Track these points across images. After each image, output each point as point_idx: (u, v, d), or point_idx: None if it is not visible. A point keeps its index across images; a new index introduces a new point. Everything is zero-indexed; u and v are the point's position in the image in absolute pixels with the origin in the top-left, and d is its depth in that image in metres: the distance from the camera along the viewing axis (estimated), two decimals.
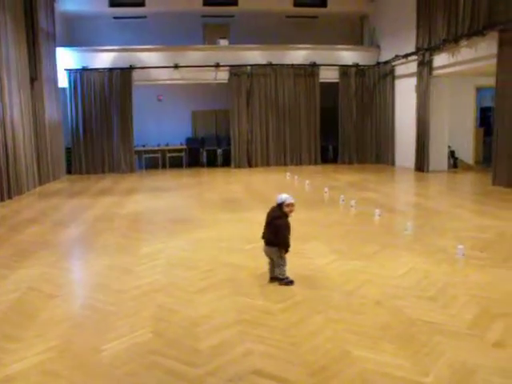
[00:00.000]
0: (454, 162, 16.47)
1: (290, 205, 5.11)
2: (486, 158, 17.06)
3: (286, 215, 5.12)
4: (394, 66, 17.98)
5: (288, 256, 5.18)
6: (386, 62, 18.26)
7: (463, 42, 13.70)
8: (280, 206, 5.14)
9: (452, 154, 16.45)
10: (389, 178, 14.92)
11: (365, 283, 5.11)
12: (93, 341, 3.94)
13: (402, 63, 17.28)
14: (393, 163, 18.14)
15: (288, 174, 15.21)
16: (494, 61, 12.31)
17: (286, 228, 5.10)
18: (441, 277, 5.30)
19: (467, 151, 17.51)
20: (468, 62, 13.81)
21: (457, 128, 16.84)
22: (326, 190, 11.38)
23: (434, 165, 15.76)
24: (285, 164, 18.60)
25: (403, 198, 11.53)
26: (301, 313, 4.38)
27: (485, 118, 19.60)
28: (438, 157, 15.90)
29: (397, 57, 17.27)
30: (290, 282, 5.10)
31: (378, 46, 19.25)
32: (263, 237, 5.22)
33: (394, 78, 18.13)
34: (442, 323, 4.11)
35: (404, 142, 17.43)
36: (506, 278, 5.23)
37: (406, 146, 17.10)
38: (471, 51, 13.50)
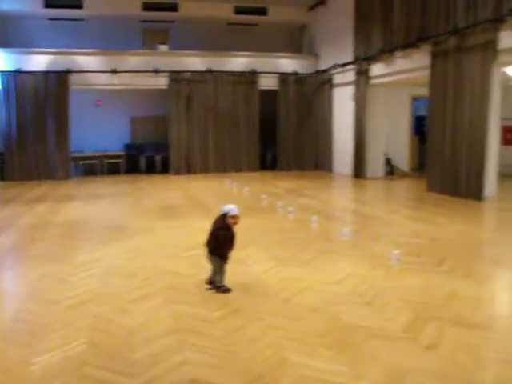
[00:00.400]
0: (391, 169, 16.87)
1: (235, 217, 4.99)
2: (421, 165, 17.57)
3: (229, 227, 5.02)
4: (332, 74, 18.29)
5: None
6: (325, 71, 18.56)
7: (398, 53, 14.10)
8: (224, 216, 5.04)
9: (388, 161, 16.85)
10: (327, 185, 15.13)
11: (302, 290, 5.14)
12: (23, 354, 3.79)
13: (340, 72, 17.62)
14: (331, 170, 18.43)
15: (227, 180, 15.20)
16: (427, 72, 12.72)
17: (226, 241, 5.02)
18: (377, 282, 5.40)
19: (403, 158, 17.98)
20: (403, 72, 14.22)
21: (393, 136, 17.28)
22: (265, 196, 11.42)
23: (371, 172, 16.12)
24: (224, 171, 18.58)
25: (341, 205, 11.70)
26: (239, 320, 4.37)
27: (420, 126, 20.21)
28: (374, 164, 16.28)
29: (335, 66, 17.59)
30: (226, 290, 5.07)
31: (317, 55, 19.55)
32: (207, 244, 5.16)
33: (332, 86, 18.44)
34: (378, 328, 4.18)
35: (342, 149, 17.76)
36: (438, 283, 5.38)
37: (344, 153, 17.42)
38: (406, 62, 13.91)
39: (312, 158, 19.38)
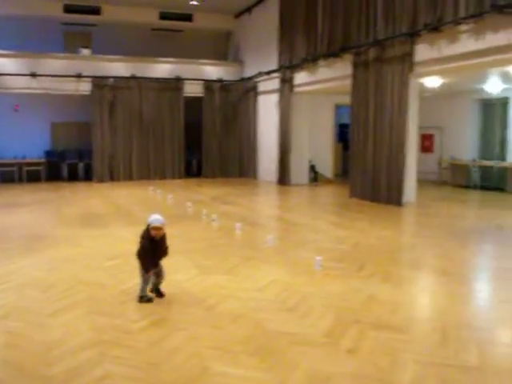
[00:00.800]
0: (315, 176, 17.18)
1: (156, 228, 4.88)
2: (345, 172, 17.99)
3: (151, 237, 4.92)
4: (257, 82, 18.46)
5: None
6: (250, 78, 18.71)
7: (322, 62, 14.40)
8: (147, 227, 4.95)
9: (312, 168, 17.15)
10: (251, 192, 15.22)
11: (226, 297, 5.13)
12: None
13: (265, 80, 17.81)
14: (255, 177, 18.58)
15: (151, 188, 15.00)
16: (349, 81, 13.06)
17: (144, 251, 4.93)
18: (300, 288, 5.46)
19: (327, 165, 18.36)
20: (326, 81, 14.53)
21: (317, 143, 17.61)
22: (189, 204, 11.35)
23: (295, 178, 16.34)
24: (148, 178, 18.30)
25: (265, 211, 11.80)
26: (161, 331, 4.29)
27: (343, 133, 20.70)
28: (299, 171, 16.52)
29: (260, 73, 17.76)
30: (148, 300, 4.99)
31: (242, 62, 19.67)
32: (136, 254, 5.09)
33: (257, 93, 18.62)
34: (300, 334, 4.22)
35: (267, 156, 17.92)
36: (359, 287, 5.50)
37: (269, 160, 17.59)
38: (329, 71, 14.23)
39: (237, 165, 19.45)
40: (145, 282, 5.00)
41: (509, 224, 9.82)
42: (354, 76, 12.89)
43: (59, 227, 9.19)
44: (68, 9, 17.62)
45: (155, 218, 4.92)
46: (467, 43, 9.96)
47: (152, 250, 4.93)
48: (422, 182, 15.50)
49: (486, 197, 14.06)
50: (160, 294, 5.09)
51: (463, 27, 10.00)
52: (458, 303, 5.06)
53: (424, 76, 12.18)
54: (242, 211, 11.04)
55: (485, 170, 16.09)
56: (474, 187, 15.77)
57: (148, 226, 4.92)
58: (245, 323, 4.45)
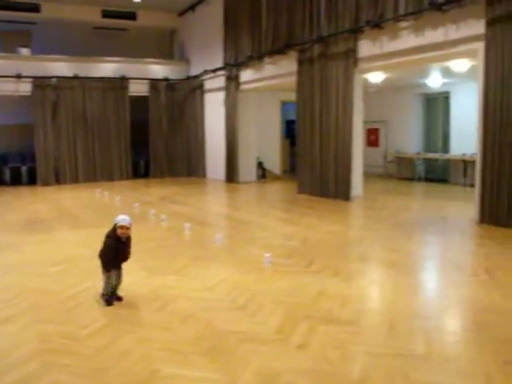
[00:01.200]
0: (263, 173, 17.24)
1: (122, 227, 4.84)
2: (293, 168, 18.12)
3: (117, 237, 4.87)
4: (203, 80, 18.36)
5: (92, 276, 4.97)
6: (196, 77, 18.59)
7: (267, 59, 14.44)
8: (114, 226, 4.90)
9: (260, 164, 17.20)
10: (200, 191, 15.13)
11: (175, 298, 5.07)
12: None
13: (211, 78, 17.73)
14: (204, 176, 18.49)
15: (98, 190, 14.72)
16: (294, 77, 13.14)
17: (108, 249, 4.89)
18: (249, 286, 5.45)
19: (275, 162, 18.45)
20: (272, 78, 14.58)
21: (264, 140, 17.68)
22: (137, 205, 11.20)
23: (243, 176, 16.35)
24: (95, 180, 17.93)
25: (214, 210, 11.76)
26: (109, 335, 4.20)
27: (290, 130, 20.84)
28: (247, 168, 16.54)
29: (206, 71, 17.67)
30: (108, 301, 4.92)
31: (188, 61, 19.53)
32: (99, 254, 5.03)
33: (203, 92, 18.52)
34: (251, 331, 4.21)
35: (215, 154, 17.86)
36: (308, 283, 5.53)
37: (217, 159, 17.54)
38: (274, 68, 14.28)
39: (185, 164, 19.30)
40: (108, 281, 4.93)
41: (452, 214, 10.10)
42: (299, 72, 12.99)
43: (1, 234, 8.90)
44: (4, 6, 16.98)
45: (122, 218, 4.90)
46: (407, 39, 10.17)
47: (116, 249, 4.88)
48: (369, 176, 15.77)
49: (430, 188, 14.42)
50: (118, 298, 5.00)
51: (403, 24, 10.21)
52: (405, 294, 5.15)
53: (368, 72, 12.38)
54: (191, 210, 10.97)
55: (429, 163, 16.50)
56: (419, 179, 16.16)
57: (115, 225, 4.88)
58: (195, 323, 4.42)
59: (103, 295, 4.97)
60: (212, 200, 13.62)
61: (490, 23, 8.49)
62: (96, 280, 5.24)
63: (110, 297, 4.95)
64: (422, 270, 6.45)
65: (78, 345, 4.03)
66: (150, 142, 18.86)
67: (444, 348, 3.90)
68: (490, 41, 8.48)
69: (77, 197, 13.95)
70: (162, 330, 4.27)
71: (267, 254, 6.34)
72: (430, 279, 6.06)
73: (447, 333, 4.27)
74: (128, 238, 4.97)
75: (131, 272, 5.99)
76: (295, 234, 8.14)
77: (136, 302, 5.01)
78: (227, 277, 5.83)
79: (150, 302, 4.99)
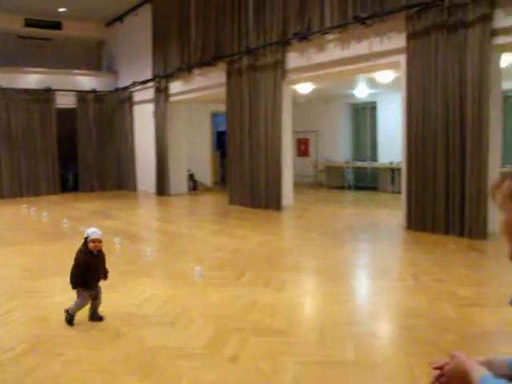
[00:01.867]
0: (194, 185, 17.17)
1: (94, 240, 4.65)
2: (224, 179, 18.13)
3: (89, 251, 4.68)
4: (132, 92, 18.12)
5: (19, 295, 4.78)
6: (125, 88, 18.31)
7: (196, 71, 14.43)
8: (85, 241, 4.71)
9: (191, 176, 17.13)
10: (131, 205, 14.90)
11: (105, 315, 4.94)
12: None
13: (140, 89, 17.52)
14: (135, 189, 18.20)
15: (25, 206, 14.21)
16: (224, 89, 13.19)
17: (77, 264, 4.69)
18: (180, 300, 5.40)
19: (206, 173, 18.43)
20: (201, 90, 14.57)
21: (195, 152, 17.62)
22: (66, 220, 10.90)
23: (174, 188, 16.22)
24: (21, 195, 17.21)
25: (145, 224, 11.60)
26: (36, 359, 4.03)
27: (221, 141, 20.86)
28: (178, 180, 16.42)
29: (134, 83, 17.46)
30: (69, 322, 4.69)
31: (117, 72, 19.23)
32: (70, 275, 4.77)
33: (132, 103, 18.26)
34: (182, 346, 4.16)
35: (145, 167, 17.62)
36: (240, 294, 5.53)
37: (148, 171, 17.31)
38: (204, 79, 14.29)
39: (115, 177, 18.94)
40: (80, 301, 4.69)
41: (381, 221, 10.37)
42: (229, 84, 13.05)
43: None
44: None
45: (93, 231, 4.71)
46: (334, 51, 10.42)
47: (87, 264, 4.65)
48: (300, 186, 15.98)
49: (360, 196, 14.76)
50: (99, 318, 4.79)
51: (330, 37, 10.45)
52: (335, 302, 5.24)
53: (296, 83, 12.58)
54: (122, 225, 10.77)
55: (358, 171, 16.91)
56: (349, 188, 16.53)
57: (86, 239, 4.69)
58: (125, 341, 4.32)
59: (66, 311, 4.72)
60: (143, 213, 13.44)
61: (410, 37, 8.82)
62: (24, 300, 5.02)
63: (71, 318, 4.70)
64: (351, 277, 6.57)
65: (2, 370, 3.85)
66: (79, 155, 18.39)
67: (373, 353, 3.98)
68: (411, 54, 8.81)
69: (1, 214, 13.43)
70: (92, 350, 4.16)
71: (198, 267, 6.30)
72: (360, 286, 6.19)
73: (376, 338, 4.36)
74: (101, 253, 4.80)
75: (61, 291, 5.79)
76: (227, 246, 8.13)
77: (64, 321, 4.84)
78: (158, 291, 5.75)
79: (78, 321, 4.82)
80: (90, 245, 4.67)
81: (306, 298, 5.68)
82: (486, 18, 7.86)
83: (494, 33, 7.90)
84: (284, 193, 11.91)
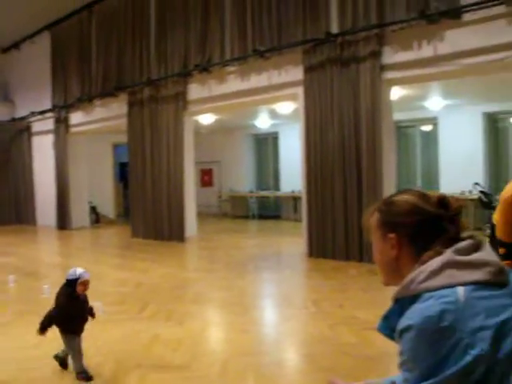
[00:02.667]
0: (96, 218, 16.72)
1: (86, 283, 4.12)
2: (127, 212, 17.78)
3: (77, 295, 4.12)
4: (30, 122, 17.47)
5: None
6: (22, 118, 17.62)
7: (97, 102, 14.17)
8: (71, 283, 4.12)
9: (93, 209, 16.68)
10: (29, 239, 14.26)
11: None
12: None
13: (39, 120, 16.93)
14: (35, 223, 17.43)
15: None
16: (125, 120, 13.03)
17: (61, 311, 4.14)
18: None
19: (108, 206, 18.00)
20: (103, 121, 14.32)
21: (97, 183, 17.19)
22: None
23: (76, 222, 15.70)
24: None
25: (43, 259, 11.13)
26: None
27: (124, 172, 20.48)
28: (79, 213, 15.92)
29: (33, 113, 16.85)
30: (88, 379, 4.09)
31: (13, 102, 18.49)
32: (55, 323, 4.23)
33: (31, 134, 17.60)
34: None
35: (45, 199, 16.95)
36: (141, 329, 5.40)
37: (48, 204, 16.65)
38: (105, 110, 14.05)
39: (13, 210, 18.04)
40: (76, 352, 4.14)
41: (284, 249, 10.53)
42: (130, 115, 12.91)
43: None
44: None
45: (83, 271, 4.14)
46: (234, 83, 10.61)
47: (73, 307, 4.13)
48: (204, 216, 15.99)
49: (263, 225, 14.95)
50: (65, 365, 4.32)
51: (230, 68, 10.64)
52: (237, 332, 5.23)
53: (198, 114, 12.67)
54: (18, 261, 10.26)
55: (262, 200, 17.16)
56: (253, 217, 16.70)
57: (72, 280, 4.11)
58: None
59: (79, 374, 4.11)
60: (42, 248, 12.91)
61: (306, 70, 9.16)
62: None
63: (84, 371, 4.12)
64: (254, 307, 6.60)
65: None
66: None
67: (274, 382, 4.00)
68: (308, 86, 9.14)
69: None
70: None
71: (98, 303, 6.09)
72: (262, 315, 6.22)
73: (277, 367, 4.38)
74: (86, 295, 4.28)
75: None
76: (128, 280, 7.94)
77: None
78: (55, 330, 5.49)
79: None
80: (80, 288, 4.12)
81: (209, 330, 5.63)
82: (376, 55, 8.32)
83: (384, 68, 8.38)
84: (187, 224, 11.84)
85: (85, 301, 4.26)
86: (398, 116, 13.04)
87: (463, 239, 1.52)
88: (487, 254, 1.47)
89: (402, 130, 15.32)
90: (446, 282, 1.40)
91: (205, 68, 10.97)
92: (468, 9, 7.53)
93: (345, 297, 6.38)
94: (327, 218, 8.90)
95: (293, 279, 7.90)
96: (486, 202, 11.92)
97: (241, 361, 4.42)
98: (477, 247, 1.49)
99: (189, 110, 11.71)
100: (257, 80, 10.19)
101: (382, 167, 8.39)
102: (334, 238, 8.81)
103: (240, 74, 10.50)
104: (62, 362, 4.35)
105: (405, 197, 1.61)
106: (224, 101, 10.97)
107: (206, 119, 14.20)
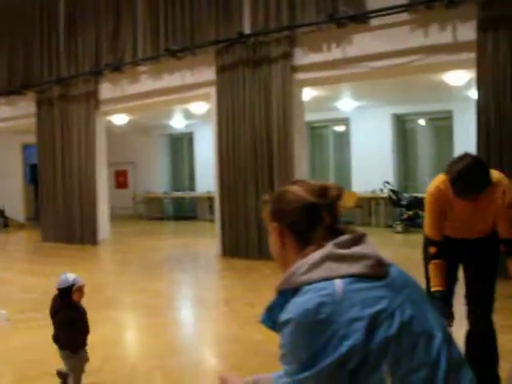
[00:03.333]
0: (5, 222, 16.02)
1: (82, 288, 3.65)
2: (39, 215, 17.15)
3: (75, 304, 3.67)
4: None
5: None
6: None
7: (2, 100, 13.56)
8: (65, 292, 3.66)
9: (1, 213, 15.98)
10: None
11: None
12: None
13: None
14: None
15: None
16: (34, 119, 12.56)
17: (71, 322, 3.64)
18: None
19: (18, 209, 17.26)
20: (9, 120, 13.72)
21: (5, 186, 16.48)
22: None
23: None
24: None
25: None
26: None
27: (35, 174, 19.70)
28: None
29: None
30: None
31: None
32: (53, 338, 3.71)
33: None
34: None
35: None
36: (49, 337, 5.21)
37: None
38: (12, 109, 13.47)
39: None
40: (75, 371, 3.62)
41: (198, 250, 10.50)
42: (39, 114, 12.45)
43: None
44: None
45: (76, 276, 3.68)
46: (147, 83, 10.48)
47: (77, 320, 3.68)
48: (119, 218, 15.69)
49: (179, 226, 14.85)
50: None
51: (142, 68, 10.49)
52: (148, 335, 5.17)
53: (111, 114, 12.41)
54: None
55: (177, 201, 17.04)
56: (168, 218, 16.54)
57: (66, 288, 3.64)
58: None
59: None
60: None
61: (219, 70, 9.18)
62: None
63: None
64: (167, 308, 6.52)
65: None
66: None
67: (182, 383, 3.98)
68: (220, 86, 9.16)
69: None
70: None
71: (3, 311, 5.84)
72: (175, 317, 6.16)
73: (188, 368, 4.35)
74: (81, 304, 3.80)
75: None
76: (37, 286, 7.64)
77: None
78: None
79: None
80: (76, 296, 3.66)
81: (120, 334, 5.52)
82: (287, 56, 8.47)
83: (295, 69, 8.53)
84: (100, 226, 11.56)
85: (83, 312, 3.81)
86: (311, 116, 13.31)
87: (344, 233, 1.56)
88: (367, 247, 1.52)
89: (316, 131, 15.64)
90: (325, 274, 1.43)
91: (117, 67, 10.76)
92: (375, 14, 7.80)
93: (257, 296, 6.43)
94: (240, 218, 8.96)
95: (206, 280, 7.89)
96: (395, 200, 12.42)
97: (150, 363, 4.36)
98: (358, 241, 1.54)
99: (101, 109, 11.45)
100: (169, 80, 10.11)
101: (293, 167, 8.54)
102: (248, 237, 8.88)
103: (153, 73, 10.38)
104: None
105: (292, 187, 1.63)
106: (137, 101, 10.81)
107: (120, 119, 13.93)
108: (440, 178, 3.07)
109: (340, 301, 1.37)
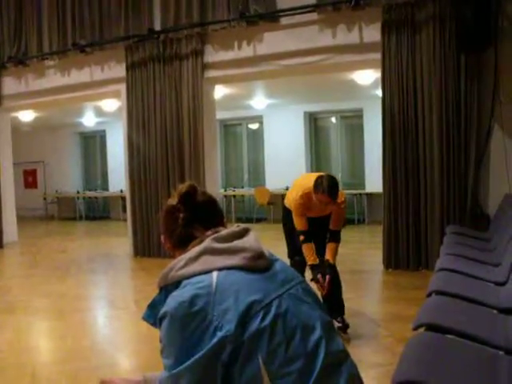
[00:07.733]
0: None
1: None
2: None
3: None
4: None
5: None
6: None
7: None
8: None
9: None
10: None
11: None
12: None
13: None
14: None
15: None
16: None
17: None
18: None
19: None
20: None
21: None
22: None
23: None
24: None
25: None
26: None
27: None
28: None
29: None
30: None
31: None
32: None
33: None
34: None
35: None
36: None
37: None
38: None
39: None
40: None
41: (110, 250, 10.27)
42: None
43: None
44: None
45: None
46: (54, 78, 10.10)
47: None
48: (29, 219, 15.14)
49: (91, 226, 14.47)
50: None
51: (49, 63, 10.10)
52: (52, 340, 5.00)
53: (15, 110, 11.89)
54: None
55: (90, 201, 16.60)
56: (81, 218, 16.08)
57: None
58: None
59: None
60: None
61: (129, 67, 9.01)
62: None
63: None
64: (73, 311, 6.28)
65: None
66: None
67: None
68: (130, 83, 9.01)
69: None
70: None
71: None
72: (82, 319, 5.96)
73: (94, 371, 4.20)
74: None
75: None
76: None
77: None
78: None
79: None
80: None
81: (21, 340, 5.26)
82: (198, 53, 8.42)
83: (206, 66, 8.50)
84: (6, 229, 11.02)
85: None
86: (225, 114, 13.33)
87: (225, 227, 1.60)
88: (248, 241, 1.54)
89: (230, 128, 15.68)
90: (202, 268, 1.45)
91: (21, 61, 10.30)
92: (284, 13, 7.89)
93: None
94: (151, 217, 8.84)
95: (116, 280, 7.73)
96: None
97: (54, 369, 4.20)
98: (240, 235, 1.56)
99: (4, 105, 10.90)
100: (78, 76, 9.80)
101: (204, 164, 8.50)
102: (159, 236, 8.74)
103: (60, 68, 10.01)
104: None
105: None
106: (43, 97, 10.38)
107: (26, 116, 13.38)
108: (301, 191, 4.54)
109: (215, 292, 1.38)
